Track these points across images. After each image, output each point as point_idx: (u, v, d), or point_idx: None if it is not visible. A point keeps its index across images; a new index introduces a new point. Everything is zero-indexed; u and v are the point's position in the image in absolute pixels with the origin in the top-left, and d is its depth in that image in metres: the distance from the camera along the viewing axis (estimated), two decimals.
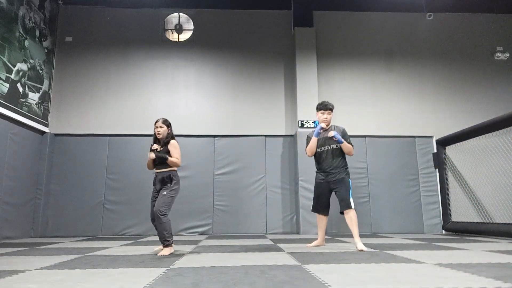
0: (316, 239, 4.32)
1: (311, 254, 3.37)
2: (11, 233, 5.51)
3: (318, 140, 4.12)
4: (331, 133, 3.99)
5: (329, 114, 4.14)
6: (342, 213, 3.97)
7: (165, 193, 3.52)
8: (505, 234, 4.99)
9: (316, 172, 4.21)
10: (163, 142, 3.68)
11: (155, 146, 3.66)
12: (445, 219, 6.44)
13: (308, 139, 4.23)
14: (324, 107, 4.15)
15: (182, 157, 6.84)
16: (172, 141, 3.68)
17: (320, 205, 4.13)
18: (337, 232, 6.32)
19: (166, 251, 3.44)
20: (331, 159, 4.04)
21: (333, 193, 4.08)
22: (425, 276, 2.22)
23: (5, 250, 3.96)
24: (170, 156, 3.61)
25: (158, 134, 3.69)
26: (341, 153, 4.08)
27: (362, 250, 3.60)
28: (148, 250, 3.83)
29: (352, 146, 4.08)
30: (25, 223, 5.92)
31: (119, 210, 6.41)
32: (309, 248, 3.91)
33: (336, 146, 4.05)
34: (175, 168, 3.67)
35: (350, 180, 4.05)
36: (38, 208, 6.16)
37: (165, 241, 3.45)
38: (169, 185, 3.56)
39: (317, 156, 4.17)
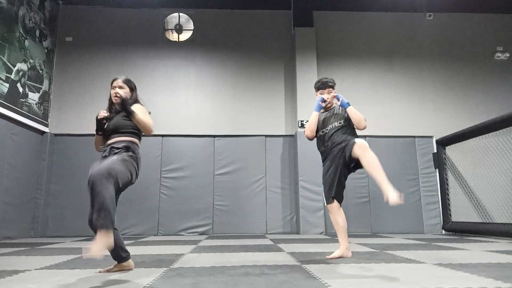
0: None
1: (311, 254, 3.37)
2: (11, 233, 5.51)
3: (319, 121, 3.24)
4: (332, 93, 3.22)
5: (330, 93, 3.27)
6: (354, 167, 3.00)
7: (115, 157, 2.34)
8: (505, 234, 4.99)
9: (323, 162, 3.26)
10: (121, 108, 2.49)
11: (102, 114, 2.51)
12: (445, 219, 6.45)
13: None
14: (322, 85, 3.29)
15: (181, 157, 6.98)
16: (137, 105, 2.59)
17: (334, 188, 3.07)
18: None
19: (99, 242, 2.06)
20: (337, 136, 3.13)
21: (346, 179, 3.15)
22: (425, 276, 2.22)
23: (5, 250, 3.96)
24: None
25: (116, 97, 2.54)
26: (348, 130, 3.16)
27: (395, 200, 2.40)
28: (148, 250, 3.82)
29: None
30: (25, 223, 5.92)
31: (119, 210, 6.33)
32: (309, 248, 3.89)
33: (340, 123, 3.17)
34: (136, 141, 2.56)
35: None
36: (38, 208, 6.16)
37: (120, 255, 2.37)
38: (123, 151, 2.42)
39: (319, 141, 3.27)
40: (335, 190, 3.07)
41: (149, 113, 2.62)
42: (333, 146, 3.11)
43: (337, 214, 3.08)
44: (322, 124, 3.27)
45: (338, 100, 3.20)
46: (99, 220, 2.08)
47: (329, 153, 3.14)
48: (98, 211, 2.10)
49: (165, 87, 6.96)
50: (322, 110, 3.29)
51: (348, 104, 3.16)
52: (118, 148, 2.41)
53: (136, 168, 2.48)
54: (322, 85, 3.31)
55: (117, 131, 2.47)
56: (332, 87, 3.30)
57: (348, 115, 3.18)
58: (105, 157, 2.42)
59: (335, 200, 3.08)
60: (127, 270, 2.49)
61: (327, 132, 3.19)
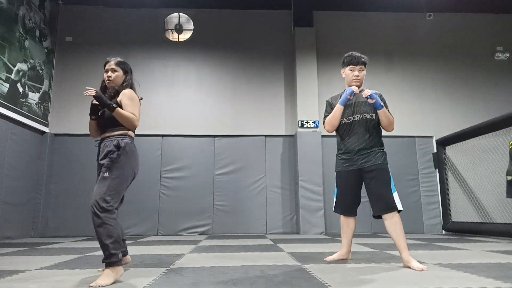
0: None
1: (311, 254, 3.37)
2: (11, 233, 5.51)
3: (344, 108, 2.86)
4: (367, 92, 2.70)
5: (362, 70, 2.86)
6: (377, 217, 2.77)
7: (107, 174, 2.23)
8: (505, 234, 4.99)
9: (338, 156, 2.94)
10: (114, 92, 2.44)
11: (93, 93, 2.27)
12: (445, 219, 6.44)
13: (329, 107, 2.99)
14: (354, 59, 2.84)
15: (181, 157, 6.98)
16: (126, 91, 2.43)
17: (347, 203, 2.89)
18: (337, 232, 6.32)
19: (107, 277, 2.06)
20: (364, 134, 2.77)
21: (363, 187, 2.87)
22: (425, 276, 2.22)
23: (5, 250, 3.96)
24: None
25: (109, 81, 2.45)
26: (377, 127, 2.83)
27: (422, 270, 2.42)
28: (148, 250, 3.83)
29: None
30: (25, 223, 5.92)
31: (119, 210, 6.39)
32: (309, 248, 3.89)
33: (371, 116, 2.79)
34: (129, 133, 2.42)
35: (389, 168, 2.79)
36: (38, 208, 6.16)
37: (107, 257, 2.11)
38: (113, 157, 2.25)
39: (342, 131, 2.88)
40: (348, 205, 2.90)
41: (141, 99, 2.56)
42: (356, 153, 2.78)
43: (349, 221, 2.95)
44: (348, 110, 2.85)
45: (372, 99, 2.70)
46: (105, 256, 2.12)
47: (348, 159, 2.83)
48: (101, 247, 2.14)
49: (165, 87, 6.96)
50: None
51: (382, 106, 2.73)
52: (108, 151, 2.28)
53: (132, 165, 2.35)
54: (354, 60, 2.84)
55: (109, 122, 2.35)
56: (365, 64, 2.87)
57: None
58: (99, 165, 2.37)
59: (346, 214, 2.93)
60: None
61: (354, 123, 2.81)
